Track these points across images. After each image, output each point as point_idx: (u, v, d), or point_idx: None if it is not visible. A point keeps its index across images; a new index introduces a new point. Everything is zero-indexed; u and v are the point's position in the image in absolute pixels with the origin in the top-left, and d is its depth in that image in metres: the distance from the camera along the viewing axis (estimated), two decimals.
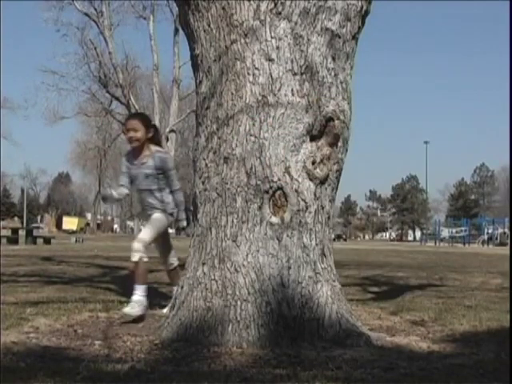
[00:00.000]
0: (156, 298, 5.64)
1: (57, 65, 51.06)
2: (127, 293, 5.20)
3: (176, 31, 38.49)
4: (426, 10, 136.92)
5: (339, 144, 3.89)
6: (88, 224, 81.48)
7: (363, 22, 4.06)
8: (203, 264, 3.76)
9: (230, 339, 3.53)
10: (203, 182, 3.87)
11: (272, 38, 3.75)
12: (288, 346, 3.47)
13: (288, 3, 3.76)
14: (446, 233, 56.99)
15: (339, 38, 3.89)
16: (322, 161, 3.80)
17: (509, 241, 40.59)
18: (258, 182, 3.67)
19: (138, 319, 4.44)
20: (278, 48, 3.75)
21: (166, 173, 4.89)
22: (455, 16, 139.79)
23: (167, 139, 39.89)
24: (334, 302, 3.71)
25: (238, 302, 3.59)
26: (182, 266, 4.39)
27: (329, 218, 3.90)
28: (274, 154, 3.69)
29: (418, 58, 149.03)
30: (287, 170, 3.69)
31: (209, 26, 3.88)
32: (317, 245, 3.77)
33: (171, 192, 4.94)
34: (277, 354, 3.32)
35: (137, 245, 4.68)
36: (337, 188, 3.97)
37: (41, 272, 9.32)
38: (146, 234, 4.81)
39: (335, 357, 3.28)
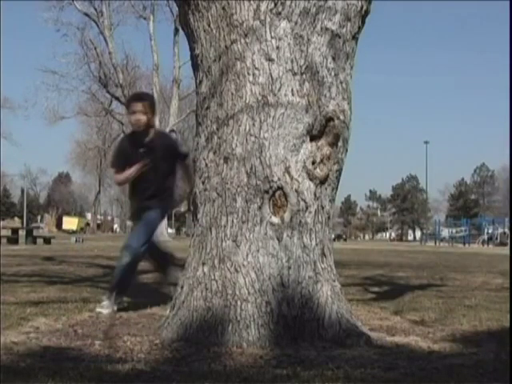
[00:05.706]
0: (156, 298, 5.63)
1: (57, 65, 51.09)
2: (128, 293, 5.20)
3: (176, 31, 38.50)
4: (427, 8, 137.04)
5: (339, 144, 3.89)
6: (88, 224, 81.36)
7: (363, 22, 4.06)
8: (203, 264, 3.76)
9: (230, 339, 3.53)
10: (203, 182, 3.87)
11: (272, 38, 3.75)
12: (288, 346, 3.47)
13: (288, 3, 3.76)
14: (445, 233, 56.90)
15: (339, 37, 3.89)
16: (321, 161, 3.80)
17: (509, 241, 40.53)
18: (258, 182, 3.67)
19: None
20: (278, 48, 3.75)
21: None
22: (456, 15, 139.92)
23: None
24: (334, 301, 3.71)
25: (238, 302, 3.59)
26: (181, 265, 4.38)
27: (329, 218, 3.90)
28: (273, 154, 3.69)
29: (419, 57, 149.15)
30: (287, 170, 3.69)
31: (209, 25, 3.88)
32: (317, 245, 3.77)
33: None
34: (277, 354, 3.32)
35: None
36: (337, 188, 3.97)
37: (41, 272, 9.31)
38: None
39: (335, 357, 3.28)
